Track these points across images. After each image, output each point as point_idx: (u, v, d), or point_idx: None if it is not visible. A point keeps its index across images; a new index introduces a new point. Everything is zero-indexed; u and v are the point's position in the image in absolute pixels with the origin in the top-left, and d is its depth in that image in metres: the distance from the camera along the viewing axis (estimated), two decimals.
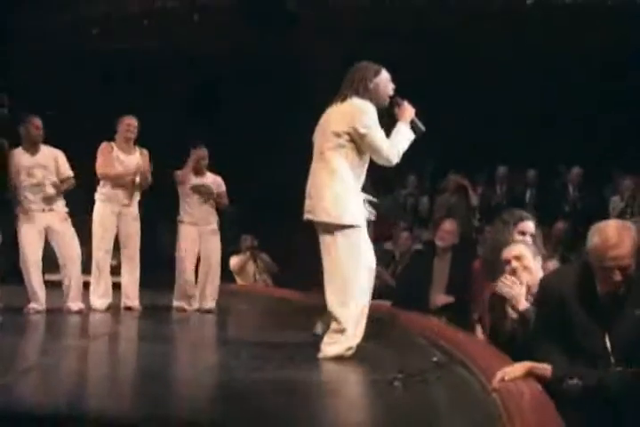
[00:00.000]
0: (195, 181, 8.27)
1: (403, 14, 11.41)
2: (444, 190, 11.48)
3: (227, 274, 9.82)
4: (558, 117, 11.87)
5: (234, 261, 10.58)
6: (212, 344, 6.83)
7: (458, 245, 7.59)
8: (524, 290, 4.77)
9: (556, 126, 11.88)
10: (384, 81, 5.33)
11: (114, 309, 7.99)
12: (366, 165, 5.34)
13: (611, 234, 3.86)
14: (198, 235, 8.24)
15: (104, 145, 8.06)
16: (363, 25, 11.17)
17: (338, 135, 5.19)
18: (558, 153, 11.61)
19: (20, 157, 7.65)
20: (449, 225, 7.62)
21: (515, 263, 4.93)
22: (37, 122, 7.70)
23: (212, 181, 8.34)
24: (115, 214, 8.02)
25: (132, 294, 8.05)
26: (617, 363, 3.84)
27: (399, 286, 7.98)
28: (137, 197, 8.15)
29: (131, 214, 8.09)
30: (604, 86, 11.58)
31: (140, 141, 8.21)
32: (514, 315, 4.77)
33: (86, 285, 7.97)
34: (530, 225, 5.64)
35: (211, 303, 8.15)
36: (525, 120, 11.80)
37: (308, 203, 5.31)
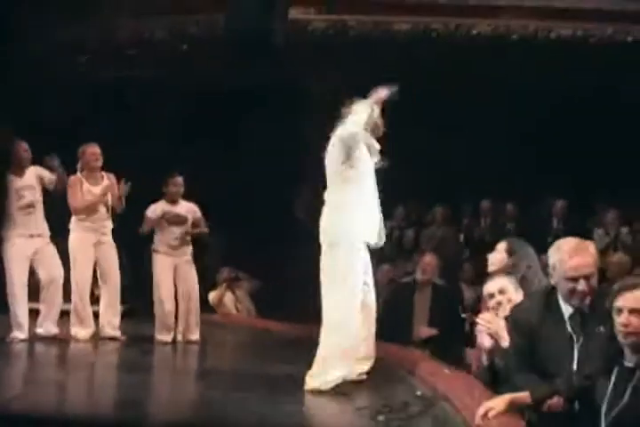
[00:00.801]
0: (167, 209, 8.17)
1: (387, 47, 11.47)
2: (431, 223, 11.50)
3: (208, 305, 9.77)
4: (542, 150, 11.92)
5: (212, 295, 10.41)
6: (193, 375, 6.80)
7: (441, 279, 7.62)
8: (503, 324, 4.75)
9: (541, 158, 11.94)
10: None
11: (96, 339, 7.91)
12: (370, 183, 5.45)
13: (572, 245, 4.12)
14: (173, 265, 8.11)
15: (73, 179, 7.96)
16: (349, 57, 11.25)
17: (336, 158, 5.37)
18: (542, 185, 11.66)
19: (10, 180, 7.61)
20: (429, 258, 7.64)
21: (499, 297, 4.96)
22: (24, 145, 7.69)
23: (187, 209, 8.21)
24: (92, 244, 7.96)
25: (113, 324, 7.98)
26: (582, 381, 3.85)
27: (381, 318, 7.96)
28: (110, 225, 8.09)
29: (107, 243, 8.04)
30: (587, 118, 11.68)
31: (127, 170, 8.16)
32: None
33: (66, 313, 7.89)
34: (489, 287, 5.19)
35: (195, 335, 8.05)
36: (508, 152, 11.86)
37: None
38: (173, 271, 8.10)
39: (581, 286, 4.00)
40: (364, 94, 5.52)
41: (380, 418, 4.39)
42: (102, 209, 7.99)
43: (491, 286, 5.06)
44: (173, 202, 8.18)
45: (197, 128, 11.92)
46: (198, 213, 8.26)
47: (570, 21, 11.24)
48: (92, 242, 7.96)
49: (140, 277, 8.92)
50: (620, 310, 3.71)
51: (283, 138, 10.83)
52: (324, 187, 5.51)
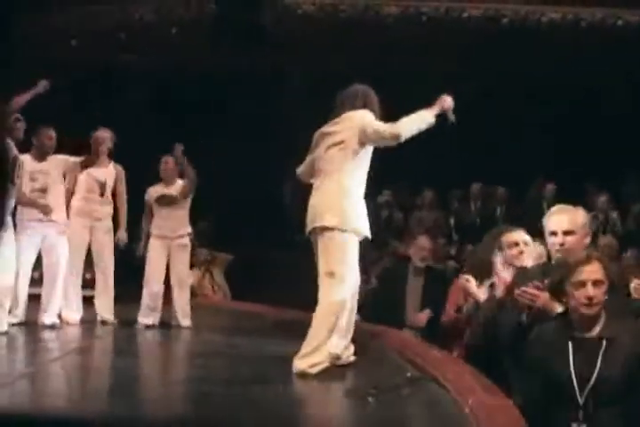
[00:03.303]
0: (160, 191, 8.12)
1: (376, 30, 11.44)
2: (421, 206, 11.52)
3: None
4: (532, 133, 11.95)
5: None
6: (186, 359, 6.81)
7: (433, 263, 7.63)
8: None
9: (530, 142, 11.97)
10: (376, 101, 5.54)
11: (87, 323, 7.90)
12: (364, 175, 5.42)
13: (559, 207, 4.49)
14: (166, 248, 8.04)
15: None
16: (336, 41, 11.22)
17: (337, 144, 5.33)
18: (532, 169, 11.69)
19: (26, 162, 7.50)
20: (424, 241, 7.61)
21: (523, 247, 5.13)
22: (50, 133, 7.64)
23: (176, 188, 8.09)
24: (87, 228, 7.94)
25: (106, 308, 7.97)
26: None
27: (372, 300, 7.98)
28: (109, 210, 8.08)
29: (103, 228, 8.00)
30: (577, 102, 11.71)
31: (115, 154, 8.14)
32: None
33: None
34: (515, 236, 5.38)
35: (188, 320, 8.00)
36: (498, 136, 11.88)
37: (309, 217, 5.37)
38: (167, 255, 8.09)
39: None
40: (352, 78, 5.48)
41: (370, 400, 4.40)
42: (99, 193, 7.97)
43: (516, 235, 5.19)
44: (168, 183, 8.17)
45: (186, 112, 11.90)
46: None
47: (560, 6, 11.24)
48: (87, 226, 7.93)
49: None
50: (581, 284, 3.82)
51: (271, 121, 10.85)
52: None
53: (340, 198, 5.28)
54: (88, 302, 8.05)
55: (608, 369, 3.75)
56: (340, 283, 5.19)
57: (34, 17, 12.42)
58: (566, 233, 4.34)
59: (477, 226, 10.97)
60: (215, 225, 10.95)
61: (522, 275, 4.66)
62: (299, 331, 5.36)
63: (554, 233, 4.38)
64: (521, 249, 5.10)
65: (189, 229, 8.16)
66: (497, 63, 11.32)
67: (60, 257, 7.65)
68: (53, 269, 7.62)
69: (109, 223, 8.07)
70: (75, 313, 7.89)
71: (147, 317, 7.91)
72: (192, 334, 7.82)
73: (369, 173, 5.45)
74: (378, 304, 7.59)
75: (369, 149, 5.39)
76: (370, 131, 5.26)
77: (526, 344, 4.05)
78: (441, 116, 5.45)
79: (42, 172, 7.58)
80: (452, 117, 5.51)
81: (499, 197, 11.64)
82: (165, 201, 8.05)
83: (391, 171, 11.47)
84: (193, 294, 8.44)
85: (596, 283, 3.83)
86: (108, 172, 8.07)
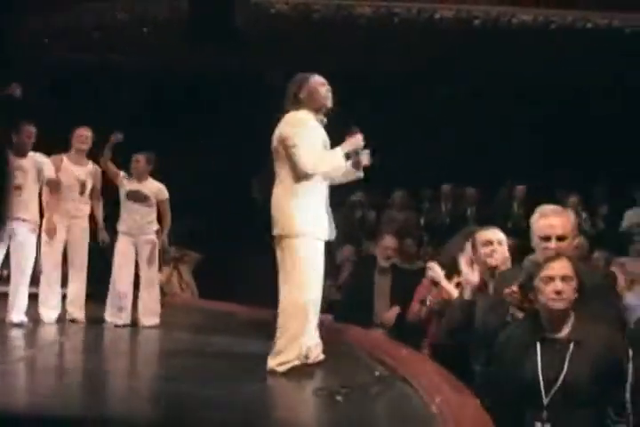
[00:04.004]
0: (130, 186, 8.08)
1: (351, 30, 11.47)
2: (392, 206, 11.55)
3: None
4: (503, 134, 12.02)
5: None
6: (156, 357, 6.80)
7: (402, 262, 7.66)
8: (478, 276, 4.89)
9: (501, 143, 12.04)
10: (315, 86, 5.40)
11: (61, 321, 7.86)
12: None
13: (550, 208, 4.42)
14: (133, 245, 8.02)
15: (52, 157, 7.92)
16: (312, 41, 11.23)
17: (278, 151, 5.30)
18: (503, 170, 11.76)
19: (10, 158, 7.48)
20: (389, 241, 7.65)
21: (496, 246, 5.05)
22: (29, 130, 7.63)
23: (150, 188, 8.09)
24: (64, 226, 7.89)
25: (77, 306, 7.94)
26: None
27: (341, 300, 8.02)
28: (86, 210, 8.05)
29: (79, 226, 7.97)
30: (547, 103, 11.79)
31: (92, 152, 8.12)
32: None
33: (34, 296, 7.85)
34: (489, 234, 5.27)
35: (156, 318, 8.00)
36: (472, 136, 11.94)
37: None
38: (135, 253, 8.06)
39: (552, 244, 4.14)
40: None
41: (338, 398, 4.42)
42: (75, 192, 7.94)
43: (491, 234, 5.13)
44: (140, 180, 8.14)
45: (158, 112, 11.87)
46: (162, 195, 8.14)
47: (531, 7, 11.33)
48: (64, 224, 7.88)
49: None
50: (550, 279, 3.87)
51: (244, 122, 10.84)
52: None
53: (290, 204, 5.23)
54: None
55: (575, 371, 3.78)
56: (301, 289, 5.18)
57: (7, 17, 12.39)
58: (560, 239, 4.26)
59: (448, 226, 11.02)
60: (190, 224, 10.94)
61: (505, 276, 4.63)
62: (269, 330, 5.38)
63: (546, 238, 4.27)
64: (494, 248, 5.05)
65: (156, 226, 8.13)
66: (468, 64, 11.38)
67: (28, 255, 7.63)
68: (21, 267, 7.60)
69: (86, 222, 8.05)
70: (52, 311, 7.85)
71: (114, 316, 7.87)
72: (161, 333, 7.80)
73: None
74: (347, 303, 7.63)
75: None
76: (289, 148, 5.21)
77: (497, 345, 4.08)
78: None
79: (20, 169, 7.57)
80: (363, 159, 5.46)
81: (469, 198, 11.70)
82: (135, 197, 8.05)
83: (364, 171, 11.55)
84: (161, 291, 8.41)
85: (564, 278, 3.88)
86: (88, 170, 8.05)
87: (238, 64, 11.00)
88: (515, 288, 4.17)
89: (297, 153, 5.19)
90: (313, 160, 5.20)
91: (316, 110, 5.37)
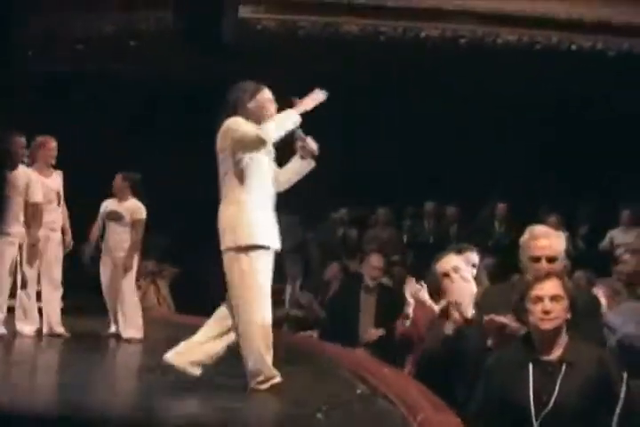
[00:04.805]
0: (111, 206, 8.14)
1: (337, 47, 11.51)
2: (374, 224, 11.58)
3: None
4: (485, 153, 12.08)
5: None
6: (136, 372, 6.77)
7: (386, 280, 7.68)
8: (470, 296, 4.80)
9: (483, 162, 12.11)
10: (265, 102, 5.21)
11: (39, 335, 7.80)
12: (266, 184, 5.18)
13: (542, 229, 4.41)
14: (112, 262, 8.09)
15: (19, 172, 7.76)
16: (297, 57, 11.27)
17: (224, 154, 5.12)
18: (484, 188, 11.82)
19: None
20: (376, 259, 7.66)
21: (453, 275, 5.00)
22: (21, 141, 7.61)
23: (127, 207, 8.11)
24: (42, 238, 7.86)
25: (54, 320, 7.91)
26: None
27: (327, 316, 8.02)
28: (60, 221, 8.01)
29: (55, 239, 7.94)
30: (529, 123, 11.86)
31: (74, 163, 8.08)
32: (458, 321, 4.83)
33: (10, 310, 7.82)
34: (443, 265, 5.21)
35: (132, 332, 7.96)
36: (451, 155, 12.00)
37: None
38: (112, 268, 8.07)
39: (544, 265, 4.16)
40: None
41: (319, 416, 4.42)
42: (54, 204, 7.92)
43: (445, 264, 5.07)
44: (119, 199, 8.15)
45: (142, 126, 11.86)
46: (137, 214, 8.12)
47: (516, 28, 11.42)
48: (42, 236, 7.81)
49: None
50: (539, 299, 3.83)
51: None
52: None
53: (231, 216, 5.08)
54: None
55: (566, 394, 3.73)
56: (254, 305, 5.02)
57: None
58: (550, 260, 4.26)
59: (431, 244, 11.07)
60: (168, 239, 10.93)
61: (488, 296, 4.60)
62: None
63: (537, 259, 4.26)
64: (452, 278, 4.98)
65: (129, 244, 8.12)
66: (453, 82, 11.45)
67: (9, 268, 7.60)
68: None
69: (60, 233, 8.03)
70: (29, 325, 7.81)
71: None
72: (138, 347, 7.76)
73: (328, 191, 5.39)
74: (332, 321, 7.63)
75: (257, 158, 5.11)
76: (236, 137, 5.03)
77: (486, 368, 4.00)
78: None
79: (8, 182, 7.55)
80: (311, 145, 5.27)
81: (450, 217, 11.75)
82: (112, 217, 8.07)
83: (348, 188, 11.60)
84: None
85: (554, 298, 3.82)
86: (58, 180, 8.03)
87: (225, 79, 11.00)
88: (493, 317, 4.15)
89: (244, 130, 5.03)
90: (264, 127, 5.02)
91: (257, 123, 5.12)
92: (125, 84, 12.03)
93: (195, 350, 5.21)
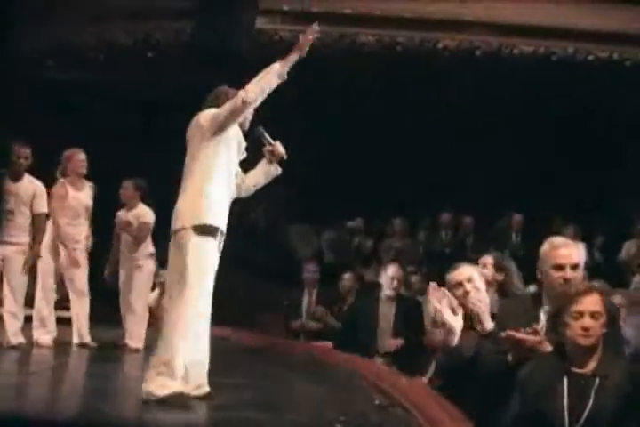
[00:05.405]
0: (121, 216, 8.16)
1: (354, 58, 11.51)
2: (391, 235, 11.58)
3: None
4: (502, 164, 12.08)
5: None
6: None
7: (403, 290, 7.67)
8: (487, 308, 4.78)
9: (501, 173, 12.10)
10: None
11: (60, 344, 7.82)
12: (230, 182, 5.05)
13: (562, 240, 4.47)
14: (124, 271, 8.11)
15: (59, 185, 7.92)
16: (313, 68, 11.27)
17: (193, 139, 5.01)
18: (502, 199, 11.81)
19: (3, 181, 7.57)
20: (394, 270, 7.65)
21: (467, 285, 4.99)
22: (24, 151, 7.62)
23: (135, 214, 8.13)
24: (63, 248, 7.89)
25: (84, 330, 7.92)
26: None
27: (345, 327, 8.00)
28: (85, 231, 8.04)
29: (79, 248, 7.97)
30: (545, 134, 11.85)
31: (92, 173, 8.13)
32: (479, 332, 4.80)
33: (28, 319, 7.85)
34: (456, 276, 5.13)
35: (139, 343, 7.93)
36: (468, 166, 12.00)
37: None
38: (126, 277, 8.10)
39: (568, 274, 4.22)
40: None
41: (337, 426, 4.41)
42: (81, 218, 7.96)
43: (459, 275, 5.04)
44: (129, 208, 8.18)
45: (157, 137, 11.90)
46: (143, 217, 8.12)
47: (533, 39, 11.41)
48: (65, 246, 7.88)
49: None
50: (580, 315, 3.81)
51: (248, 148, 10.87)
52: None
53: (186, 200, 4.92)
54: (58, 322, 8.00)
55: (599, 407, 3.73)
56: (195, 293, 4.76)
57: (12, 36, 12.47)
58: (573, 267, 4.32)
59: (447, 254, 11.07)
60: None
61: (505, 310, 4.65)
62: (264, 354, 5.35)
63: (560, 267, 4.31)
64: (465, 289, 4.96)
65: (148, 251, 8.17)
66: (469, 93, 11.45)
67: (20, 278, 7.63)
68: (13, 289, 7.60)
69: (84, 243, 8.04)
70: (47, 334, 7.83)
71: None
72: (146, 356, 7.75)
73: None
74: (348, 331, 7.63)
75: (226, 151, 4.98)
76: (221, 111, 4.86)
77: (519, 381, 3.99)
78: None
79: (12, 194, 7.59)
80: (279, 149, 5.21)
81: (467, 227, 11.74)
82: (122, 226, 8.12)
83: (364, 198, 11.60)
84: (151, 315, 8.41)
85: (593, 315, 3.82)
86: (89, 194, 8.05)
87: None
88: (511, 333, 4.14)
89: (222, 107, 4.89)
90: (245, 88, 4.82)
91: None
92: (140, 95, 12.08)
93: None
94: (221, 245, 5.00)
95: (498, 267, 5.97)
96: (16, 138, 7.77)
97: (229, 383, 5.89)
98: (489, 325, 4.65)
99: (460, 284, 5.00)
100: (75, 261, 7.89)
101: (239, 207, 11.51)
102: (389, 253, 10.95)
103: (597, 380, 3.80)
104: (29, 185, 7.68)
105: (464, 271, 5.08)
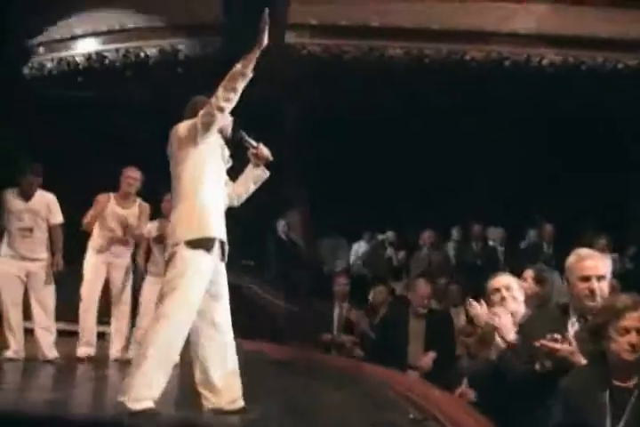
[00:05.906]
0: (155, 230, 8.09)
1: (383, 71, 11.54)
2: (421, 247, 11.57)
3: None
4: (532, 175, 12.05)
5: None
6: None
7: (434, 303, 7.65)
8: (510, 320, 4.80)
9: (531, 183, 12.07)
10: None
11: (98, 359, 7.84)
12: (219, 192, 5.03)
13: (588, 251, 4.48)
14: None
15: (101, 197, 7.96)
16: (343, 82, 11.30)
17: (176, 152, 4.97)
18: (532, 210, 11.78)
19: (12, 200, 7.62)
20: (424, 287, 7.64)
21: (504, 293, 5.09)
22: (39, 170, 7.67)
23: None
24: (105, 264, 7.92)
25: (119, 345, 7.92)
26: None
27: (377, 340, 7.99)
28: (130, 248, 8.07)
29: (121, 265, 7.98)
30: (575, 144, 11.80)
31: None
32: (502, 345, 4.80)
33: (74, 333, 7.89)
34: (494, 283, 5.29)
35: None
36: (499, 177, 11.97)
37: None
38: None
39: (595, 285, 4.25)
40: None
41: None
42: (122, 234, 7.94)
43: (497, 282, 5.18)
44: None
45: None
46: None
47: (561, 48, 11.38)
48: (106, 262, 7.92)
49: None
50: (626, 330, 3.80)
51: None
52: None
53: (177, 215, 4.91)
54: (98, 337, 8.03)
55: (635, 420, 3.72)
56: (182, 308, 4.75)
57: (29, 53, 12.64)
58: (599, 279, 4.35)
59: (478, 266, 11.04)
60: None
61: (533, 320, 4.66)
62: (295, 367, 5.32)
63: (587, 278, 4.34)
64: (502, 295, 5.09)
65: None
66: (499, 104, 11.44)
67: (49, 293, 7.69)
68: (42, 304, 7.65)
69: (128, 260, 8.06)
70: (86, 348, 7.85)
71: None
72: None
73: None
74: (381, 344, 7.62)
75: (201, 158, 4.92)
76: (197, 121, 4.85)
77: (560, 390, 3.99)
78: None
79: (29, 211, 7.64)
80: (252, 142, 5.16)
81: (497, 238, 11.70)
82: (159, 239, 7.89)
83: (394, 210, 11.60)
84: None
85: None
86: (133, 213, 8.02)
87: (270, 103, 11.09)
88: (545, 343, 4.13)
89: (198, 115, 4.87)
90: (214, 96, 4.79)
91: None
92: (169, 110, 12.14)
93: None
94: (225, 254, 4.98)
95: (537, 279, 5.99)
96: (16, 138, 7.80)
97: (261, 397, 5.90)
98: (510, 337, 4.68)
99: (498, 290, 5.13)
100: (117, 278, 7.93)
101: (267, 221, 11.63)
102: (420, 265, 10.94)
103: (636, 392, 3.78)
104: (42, 199, 7.73)
105: (502, 279, 5.22)
